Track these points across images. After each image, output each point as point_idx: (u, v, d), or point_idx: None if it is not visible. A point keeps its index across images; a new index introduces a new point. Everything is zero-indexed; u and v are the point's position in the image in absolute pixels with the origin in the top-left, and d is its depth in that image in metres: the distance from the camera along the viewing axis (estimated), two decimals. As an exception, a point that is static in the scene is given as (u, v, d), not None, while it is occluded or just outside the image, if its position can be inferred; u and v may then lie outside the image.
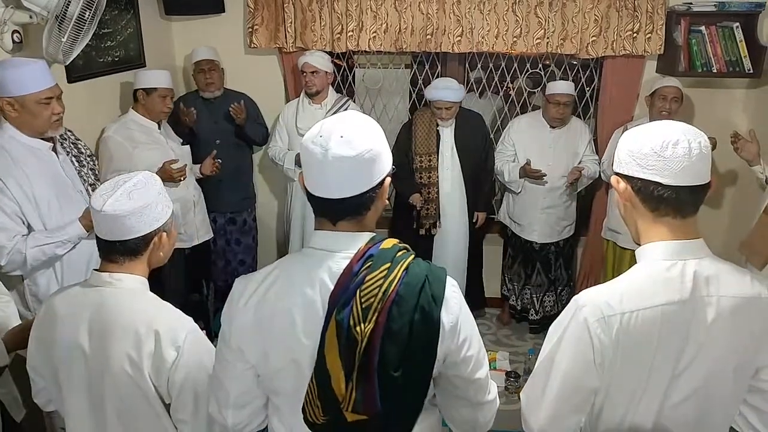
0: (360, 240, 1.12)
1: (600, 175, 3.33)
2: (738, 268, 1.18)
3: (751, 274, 1.18)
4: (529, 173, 3.23)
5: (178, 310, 1.40)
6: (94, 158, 2.37)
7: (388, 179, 1.14)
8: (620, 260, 3.35)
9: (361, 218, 1.13)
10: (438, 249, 3.43)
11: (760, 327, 1.13)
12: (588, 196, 3.61)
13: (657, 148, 1.10)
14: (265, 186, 3.83)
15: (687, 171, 1.09)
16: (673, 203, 1.12)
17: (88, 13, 2.23)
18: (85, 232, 2.08)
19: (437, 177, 3.31)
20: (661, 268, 1.13)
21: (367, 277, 1.06)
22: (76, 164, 2.24)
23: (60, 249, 2.05)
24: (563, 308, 4.02)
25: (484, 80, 3.72)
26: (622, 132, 3.14)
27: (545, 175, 3.22)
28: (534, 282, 3.51)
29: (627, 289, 1.13)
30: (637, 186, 1.14)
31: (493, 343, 3.55)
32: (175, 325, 1.35)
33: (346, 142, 1.06)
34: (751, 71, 3.09)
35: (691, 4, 3.09)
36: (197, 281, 3.40)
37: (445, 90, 3.17)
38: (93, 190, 2.25)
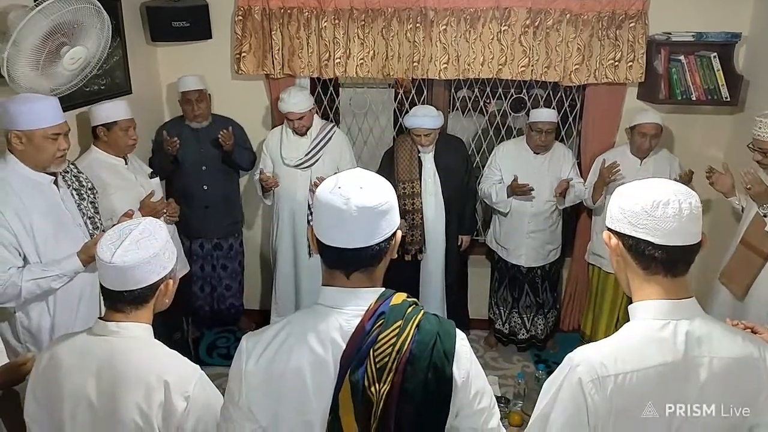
0: (370, 296, 1.13)
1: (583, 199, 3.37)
2: (730, 328, 1.21)
3: (742, 333, 1.21)
4: (516, 189, 3.23)
5: (185, 357, 1.41)
6: (95, 191, 2.35)
7: (399, 233, 1.17)
8: (604, 285, 3.38)
9: (373, 270, 1.15)
10: (425, 274, 3.44)
11: (752, 387, 1.15)
12: (572, 219, 3.66)
13: (648, 207, 1.13)
14: (251, 210, 3.80)
15: (678, 231, 1.12)
16: (664, 262, 1.15)
17: (60, 48, 2.18)
18: (83, 267, 2.08)
19: (421, 203, 3.32)
20: (654, 327, 1.15)
21: (380, 336, 1.07)
22: (77, 197, 2.24)
23: (56, 283, 2.05)
24: (551, 332, 4.00)
25: (469, 101, 3.75)
26: (603, 161, 3.20)
27: (533, 190, 3.22)
28: (522, 304, 3.53)
29: (621, 349, 1.15)
30: (629, 244, 1.17)
31: (481, 366, 3.56)
32: (184, 373, 1.35)
33: (366, 193, 1.09)
34: (728, 99, 3.17)
35: (670, 34, 3.17)
36: (177, 317, 3.37)
37: (424, 118, 3.19)
38: (92, 224, 2.25)
